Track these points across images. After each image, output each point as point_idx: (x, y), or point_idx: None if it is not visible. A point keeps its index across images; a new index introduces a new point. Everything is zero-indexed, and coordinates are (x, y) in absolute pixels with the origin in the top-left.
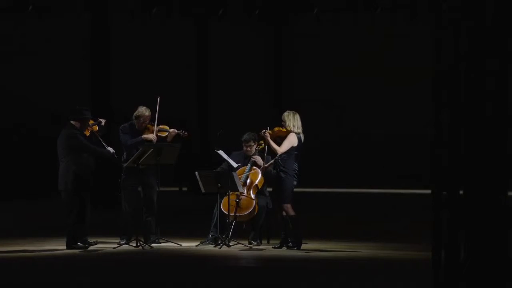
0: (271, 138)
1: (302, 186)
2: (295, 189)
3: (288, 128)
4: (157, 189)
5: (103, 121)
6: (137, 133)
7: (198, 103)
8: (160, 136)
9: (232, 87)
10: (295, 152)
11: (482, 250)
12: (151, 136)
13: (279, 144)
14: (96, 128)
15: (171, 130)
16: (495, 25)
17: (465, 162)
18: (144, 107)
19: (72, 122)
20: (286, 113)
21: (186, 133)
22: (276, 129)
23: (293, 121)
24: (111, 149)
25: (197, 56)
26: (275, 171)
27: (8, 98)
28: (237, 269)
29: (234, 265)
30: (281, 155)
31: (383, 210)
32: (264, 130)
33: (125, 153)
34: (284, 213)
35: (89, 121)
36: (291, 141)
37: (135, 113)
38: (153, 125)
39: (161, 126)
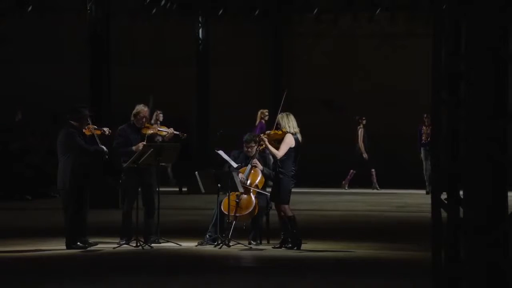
0: (268, 142)
1: (302, 186)
2: (293, 190)
3: (284, 130)
4: (156, 189)
5: (106, 130)
6: (136, 132)
7: (198, 102)
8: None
9: (232, 87)
10: (293, 153)
11: (482, 250)
12: (140, 145)
13: (277, 148)
14: (99, 132)
15: (170, 130)
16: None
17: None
18: (142, 104)
19: (71, 121)
20: (279, 115)
21: (185, 134)
22: (272, 132)
23: (287, 122)
24: (104, 148)
25: (197, 56)
26: (273, 172)
27: (8, 97)
28: (237, 269)
29: (234, 265)
30: None
31: (383, 210)
32: (261, 134)
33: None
34: (282, 214)
35: (88, 118)
36: (288, 143)
37: (134, 111)
38: (153, 124)
39: (161, 126)
